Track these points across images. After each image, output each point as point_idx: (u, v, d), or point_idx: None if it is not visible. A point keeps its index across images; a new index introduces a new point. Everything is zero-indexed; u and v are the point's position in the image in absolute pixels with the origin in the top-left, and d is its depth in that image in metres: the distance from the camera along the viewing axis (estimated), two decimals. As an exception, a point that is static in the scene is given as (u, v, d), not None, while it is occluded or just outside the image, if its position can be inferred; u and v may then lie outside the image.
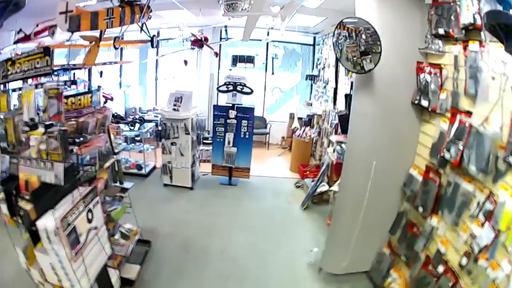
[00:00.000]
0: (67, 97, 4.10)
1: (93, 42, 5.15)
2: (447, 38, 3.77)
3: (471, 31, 3.40)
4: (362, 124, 4.56)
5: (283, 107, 13.62)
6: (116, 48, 5.41)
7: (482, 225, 3.02)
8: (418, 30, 4.15)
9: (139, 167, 9.08)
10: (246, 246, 6.05)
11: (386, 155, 4.50)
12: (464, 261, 3.23)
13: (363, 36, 4.07)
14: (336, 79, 8.32)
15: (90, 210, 3.79)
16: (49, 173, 3.47)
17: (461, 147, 3.30)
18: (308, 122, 10.73)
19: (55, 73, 10.67)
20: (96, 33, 5.07)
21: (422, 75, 4.10)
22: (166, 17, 8.90)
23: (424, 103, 4.04)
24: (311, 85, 12.08)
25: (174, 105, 8.01)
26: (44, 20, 5.86)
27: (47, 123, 3.57)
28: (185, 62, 10.03)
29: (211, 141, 9.63)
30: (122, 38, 5.35)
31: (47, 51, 3.37)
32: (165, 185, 8.49)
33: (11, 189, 3.58)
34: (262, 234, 6.47)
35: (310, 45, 12.64)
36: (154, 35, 5.34)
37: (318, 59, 11.05)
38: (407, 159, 4.52)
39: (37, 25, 5.92)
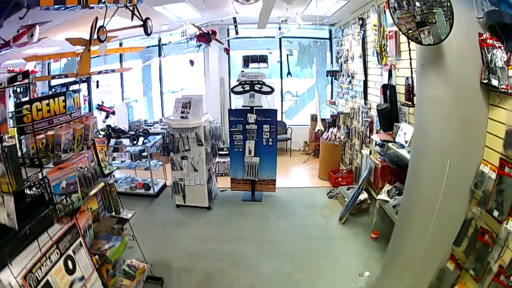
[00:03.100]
0: (30, 102, 3.09)
1: (83, 47, 4.75)
2: None
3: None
4: (432, 113, 3.81)
5: (302, 110, 13.21)
6: (101, 41, 4.53)
7: None
8: None
9: (147, 186, 8.19)
10: (282, 278, 5.16)
11: (458, 150, 3.69)
12: None
13: (417, 4, 3.37)
14: (365, 71, 7.61)
15: (70, 257, 2.91)
16: (1, 211, 2.54)
17: None
18: (332, 123, 10.16)
19: (53, 89, 10.13)
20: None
21: (486, 49, 3.37)
22: (166, 14, 7.90)
23: (494, 81, 3.35)
24: (332, 82, 11.47)
25: (182, 112, 7.01)
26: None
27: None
28: (191, 62, 9.26)
29: (227, 152, 8.83)
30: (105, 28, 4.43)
31: None
32: (178, 206, 7.52)
33: None
34: (298, 261, 5.52)
35: (326, 39, 11.88)
36: (147, 18, 4.32)
37: (338, 53, 10.40)
38: (476, 153, 3.70)
39: (18, 31, 5.18)
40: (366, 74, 7.57)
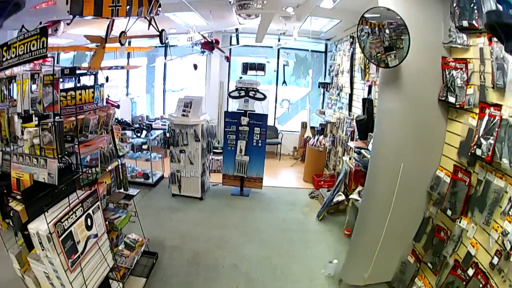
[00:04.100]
0: (66, 90, 3.76)
1: (99, 45, 4.98)
2: (471, 30, 3.63)
3: (495, 22, 3.24)
4: (389, 122, 4.32)
5: (294, 117, 13.64)
6: (122, 44, 5.08)
7: (514, 221, 2.96)
8: (441, 24, 3.99)
9: (146, 176, 8.84)
10: (260, 260, 5.73)
11: (413, 156, 4.25)
12: (495, 260, 3.16)
13: (387, 31, 3.85)
14: (351, 85, 8.17)
15: (89, 216, 3.50)
16: (42, 171, 3.18)
17: (492, 142, 3.19)
18: (321, 131, 10.59)
19: (60, 79, 10.69)
20: (102, 33, 4.94)
21: (447, 71, 3.91)
22: (175, 20, 8.64)
23: (451, 99, 3.84)
24: (323, 93, 11.98)
25: (183, 110, 7.71)
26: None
27: (42, 114, 3.23)
28: (195, 66, 9.84)
29: (221, 151, 9.50)
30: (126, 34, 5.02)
31: (43, 32, 3.01)
32: (174, 195, 8.19)
33: (2, 188, 3.30)
34: (277, 247, 6.16)
35: (321, 52, 12.47)
36: (163, 30, 5.00)
37: (330, 66, 10.86)
38: (433, 160, 4.28)
39: (40, 23, 5.69)
40: (352, 88, 8.10)
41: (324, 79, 11.49)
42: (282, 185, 9.51)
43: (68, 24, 3.86)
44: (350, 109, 8.26)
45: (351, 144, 6.71)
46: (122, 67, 9.35)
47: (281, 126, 13.08)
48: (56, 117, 3.22)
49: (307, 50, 12.58)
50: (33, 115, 3.51)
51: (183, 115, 7.65)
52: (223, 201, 8.15)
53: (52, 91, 3.22)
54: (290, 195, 8.78)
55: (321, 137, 9.83)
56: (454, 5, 3.66)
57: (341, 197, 7.26)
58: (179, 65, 12.33)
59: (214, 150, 9.91)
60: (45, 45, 2.97)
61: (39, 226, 2.93)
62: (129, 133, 8.77)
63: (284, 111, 13.39)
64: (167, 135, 7.95)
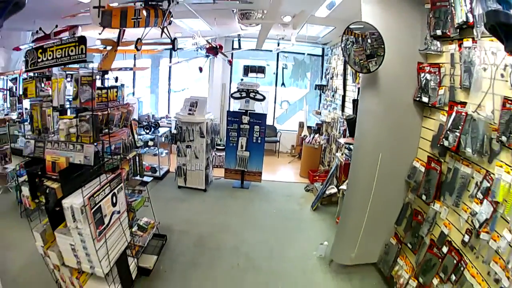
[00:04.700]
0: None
1: (111, 47, 5.46)
2: (444, 38, 4.08)
3: (464, 30, 3.72)
4: (368, 121, 4.81)
5: (292, 117, 13.99)
6: (138, 50, 5.59)
7: (481, 202, 3.27)
8: (419, 33, 4.43)
9: (154, 170, 9.39)
10: (259, 242, 6.27)
11: (390, 149, 4.73)
12: (466, 238, 3.49)
13: (369, 41, 4.34)
14: (344, 87, 8.73)
15: (115, 194, 4.03)
16: (78, 155, 3.75)
17: (458, 134, 3.58)
18: (317, 130, 11.04)
19: (67, 78, 11.09)
20: (114, 38, 5.40)
21: (422, 75, 4.34)
22: (181, 25, 9.23)
23: (425, 99, 4.28)
24: (320, 95, 12.42)
25: (190, 109, 8.33)
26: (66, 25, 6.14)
27: (79, 107, 3.86)
28: (200, 69, 10.37)
29: (223, 147, 10.12)
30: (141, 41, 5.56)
31: (82, 40, 3.55)
32: (179, 187, 8.79)
33: (34, 171, 3.83)
34: (274, 232, 6.70)
35: (319, 56, 12.93)
36: (175, 38, 5.57)
37: (326, 69, 11.39)
38: (410, 153, 4.75)
39: (56, 26, 6.16)
40: (344, 90, 8.66)
41: (321, 81, 12.02)
42: (280, 180, 10.11)
43: (99, 33, 4.42)
44: (343, 110, 8.79)
45: (341, 140, 7.25)
46: (131, 69, 9.88)
47: (280, 126, 13.55)
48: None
49: (303, 54, 13.00)
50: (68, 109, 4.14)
51: (190, 114, 8.27)
52: (225, 192, 8.77)
53: (89, 89, 3.84)
54: (287, 188, 9.37)
55: (317, 135, 10.35)
56: (430, 16, 4.11)
57: (333, 190, 7.78)
58: (182, 67, 12.84)
59: (217, 147, 10.49)
60: (83, 51, 3.52)
61: (73, 201, 3.43)
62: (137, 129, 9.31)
63: (283, 111, 13.87)
64: (174, 131, 8.53)
